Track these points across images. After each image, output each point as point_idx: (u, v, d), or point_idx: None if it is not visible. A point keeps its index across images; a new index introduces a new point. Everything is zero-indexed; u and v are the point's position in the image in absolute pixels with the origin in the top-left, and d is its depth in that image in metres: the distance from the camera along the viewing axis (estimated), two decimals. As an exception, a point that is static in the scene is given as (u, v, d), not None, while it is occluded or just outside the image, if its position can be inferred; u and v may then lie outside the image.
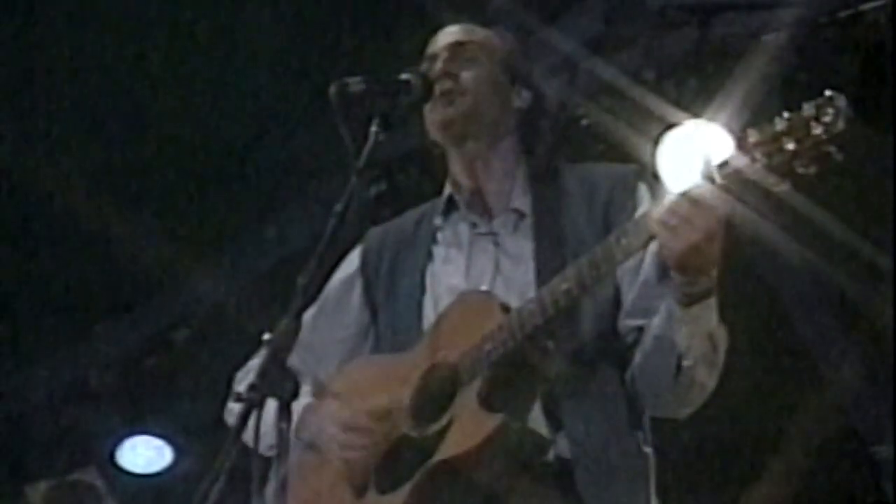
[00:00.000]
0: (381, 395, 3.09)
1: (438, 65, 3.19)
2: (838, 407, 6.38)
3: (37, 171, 6.05)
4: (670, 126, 5.06)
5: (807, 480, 6.66)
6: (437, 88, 3.13)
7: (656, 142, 5.03)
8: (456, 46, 3.24)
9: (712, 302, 2.83)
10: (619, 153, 5.19)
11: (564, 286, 2.87)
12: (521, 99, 3.27)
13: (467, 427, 2.89)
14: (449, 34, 3.29)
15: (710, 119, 4.87)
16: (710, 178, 2.69)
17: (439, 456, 2.91)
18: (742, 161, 2.65)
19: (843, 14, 5.00)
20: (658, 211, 2.77)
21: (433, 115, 3.18)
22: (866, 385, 6.31)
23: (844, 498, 6.69)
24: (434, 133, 3.21)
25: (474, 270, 3.15)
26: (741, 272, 5.68)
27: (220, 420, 3.21)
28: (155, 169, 6.19)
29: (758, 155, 2.63)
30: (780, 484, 6.60)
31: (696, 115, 5.01)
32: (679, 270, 2.78)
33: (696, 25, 5.28)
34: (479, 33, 3.29)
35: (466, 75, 3.19)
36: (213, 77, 5.75)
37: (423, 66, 3.20)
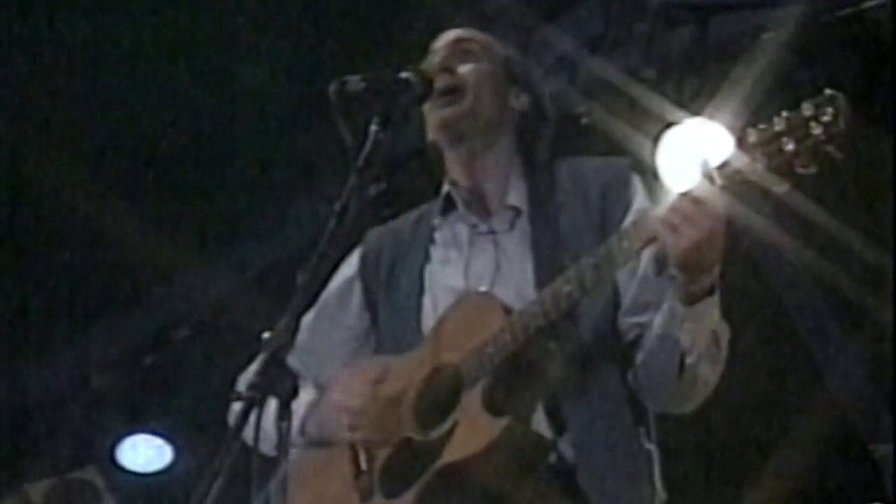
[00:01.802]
0: (386, 387, 3.09)
1: (436, 60, 3.20)
2: (838, 405, 6.38)
3: (37, 170, 6.05)
4: (670, 125, 5.06)
5: (807, 479, 6.66)
6: (436, 85, 3.12)
7: (656, 140, 5.04)
8: (455, 43, 3.25)
9: (715, 299, 2.83)
10: (619, 152, 5.19)
11: (566, 288, 2.86)
12: (519, 102, 3.27)
13: (472, 430, 2.89)
14: (450, 33, 3.30)
15: (710, 118, 4.87)
16: (709, 179, 2.69)
17: (445, 459, 2.90)
18: (742, 161, 2.65)
19: (843, 12, 5.00)
20: (661, 211, 2.77)
21: (432, 115, 3.18)
22: (866, 384, 6.32)
23: (844, 496, 6.69)
24: (433, 132, 3.21)
25: (473, 270, 3.15)
26: (743, 273, 5.68)
27: (220, 419, 3.21)
28: (155, 168, 6.19)
29: (758, 155, 2.63)
30: (780, 482, 6.60)
31: (696, 113, 5.01)
32: (681, 269, 2.78)
33: (696, 24, 5.28)
34: (480, 34, 3.30)
35: (464, 69, 3.19)
36: (213, 76, 5.75)
37: (424, 64, 3.20)
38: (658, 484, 3.03)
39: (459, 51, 3.23)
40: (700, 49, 5.28)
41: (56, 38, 5.59)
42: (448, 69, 3.17)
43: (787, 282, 6.13)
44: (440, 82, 3.12)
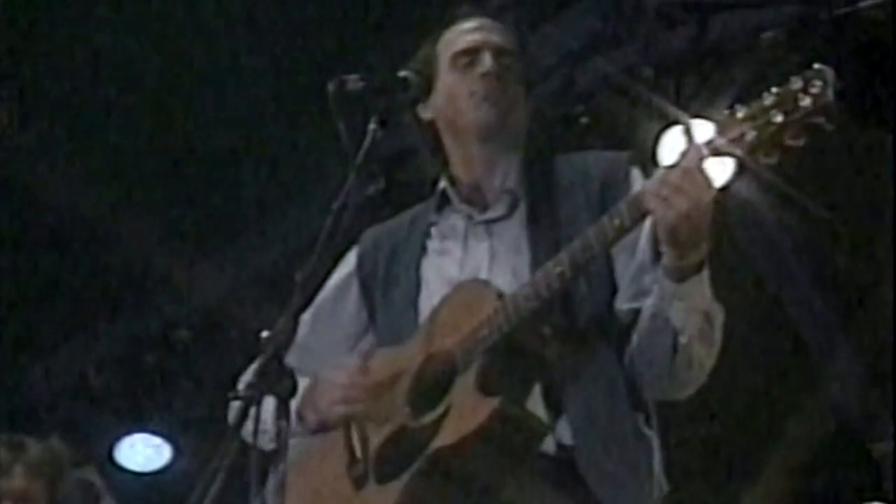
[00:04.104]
0: (377, 366, 3.09)
1: (487, 63, 3.15)
2: (838, 404, 6.39)
3: (37, 171, 6.06)
4: (669, 124, 5.06)
5: (806, 477, 6.68)
6: (482, 86, 3.11)
7: (656, 140, 5.04)
8: (500, 52, 3.19)
9: (704, 276, 2.82)
10: (618, 151, 5.20)
11: (558, 269, 2.86)
12: (529, 105, 3.27)
13: (464, 413, 2.88)
14: (483, 29, 3.23)
15: (709, 118, 4.87)
16: (697, 152, 2.70)
17: (438, 443, 2.90)
18: (731, 135, 2.66)
19: (841, 12, 5.00)
20: (650, 183, 2.78)
21: (473, 113, 3.14)
22: (866, 382, 6.32)
23: (843, 494, 6.70)
24: (465, 125, 3.17)
25: (470, 261, 3.14)
26: (742, 271, 5.69)
27: (219, 418, 3.21)
28: (155, 168, 6.20)
29: (746, 128, 2.64)
30: (779, 480, 6.61)
31: (695, 112, 5.01)
32: (670, 243, 2.77)
33: (694, 23, 5.29)
34: (509, 38, 3.25)
35: (514, 90, 3.16)
36: (213, 76, 5.76)
37: (462, 61, 3.16)
38: (659, 473, 3.02)
39: (506, 65, 3.17)
40: (699, 49, 5.29)
41: (56, 38, 5.60)
42: (502, 78, 3.14)
43: (788, 281, 6.14)
44: (488, 85, 3.10)
